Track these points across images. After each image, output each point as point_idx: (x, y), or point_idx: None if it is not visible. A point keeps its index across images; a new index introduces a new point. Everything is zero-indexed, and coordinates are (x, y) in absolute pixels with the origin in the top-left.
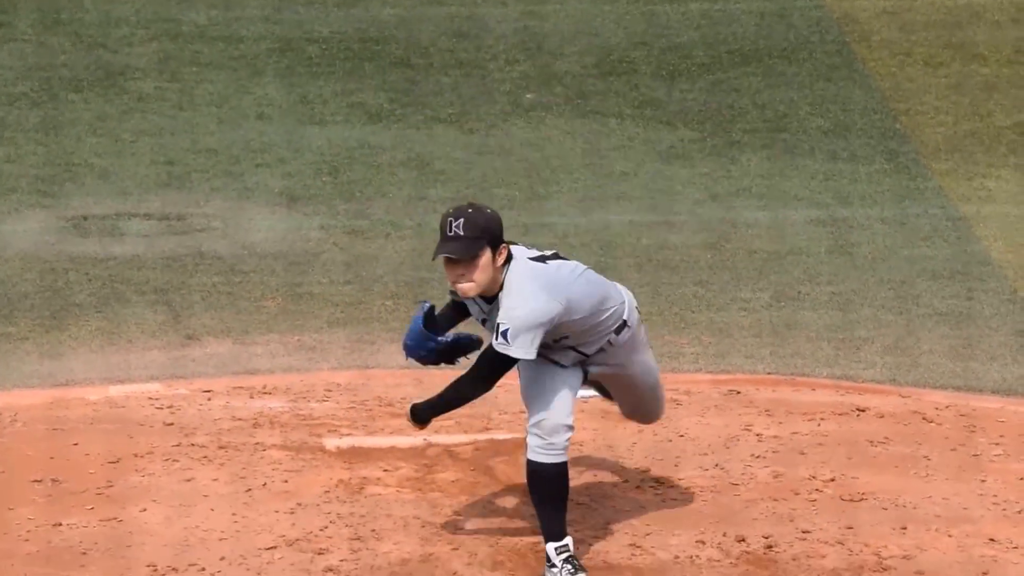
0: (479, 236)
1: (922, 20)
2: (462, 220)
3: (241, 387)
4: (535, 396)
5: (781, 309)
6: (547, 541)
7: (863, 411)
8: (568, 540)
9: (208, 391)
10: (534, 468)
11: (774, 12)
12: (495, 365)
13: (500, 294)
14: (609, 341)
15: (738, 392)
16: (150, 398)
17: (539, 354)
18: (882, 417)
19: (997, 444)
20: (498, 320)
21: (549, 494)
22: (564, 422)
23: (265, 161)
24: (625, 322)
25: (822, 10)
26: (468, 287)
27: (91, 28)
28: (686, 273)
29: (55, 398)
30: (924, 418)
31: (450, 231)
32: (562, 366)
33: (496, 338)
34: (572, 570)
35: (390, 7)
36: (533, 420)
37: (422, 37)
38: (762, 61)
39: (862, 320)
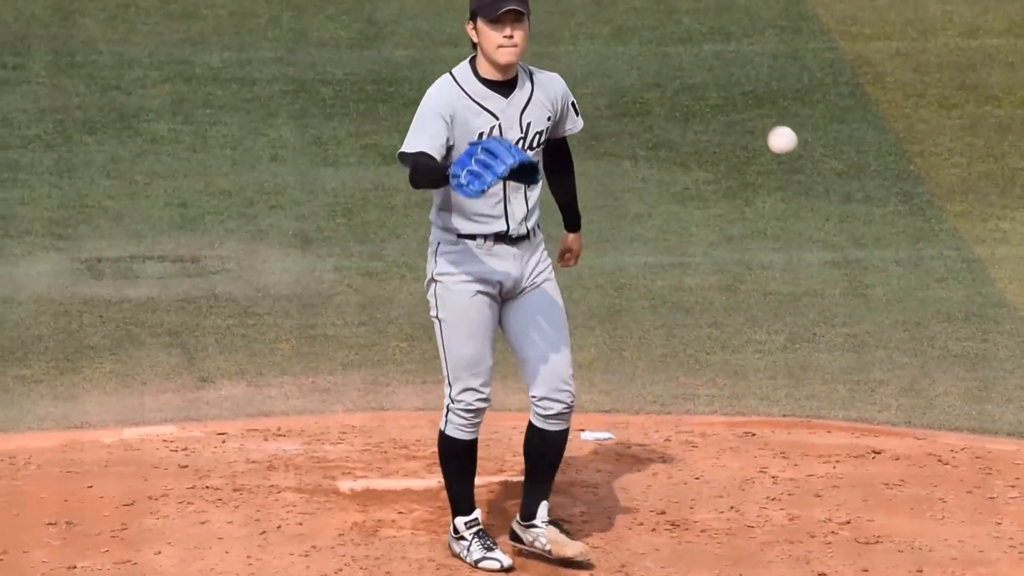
0: (527, 1)
1: (935, 62)
2: None
3: (255, 429)
4: (446, 360)
5: (796, 351)
6: (454, 516)
7: (878, 453)
8: (477, 514)
9: (222, 433)
10: (440, 436)
11: (787, 54)
12: None
13: (518, 79)
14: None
15: (753, 434)
16: (164, 440)
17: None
18: (897, 459)
19: (1013, 487)
20: (570, 100)
21: (448, 462)
22: (464, 399)
23: (279, 203)
24: None
25: (836, 52)
26: (514, 52)
27: (105, 70)
28: (701, 315)
29: (69, 440)
30: (940, 460)
31: None
32: (479, 314)
33: (578, 119)
34: (488, 543)
35: (403, 48)
36: (445, 380)
37: (435, 78)
38: (776, 103)
39: (877, 362)
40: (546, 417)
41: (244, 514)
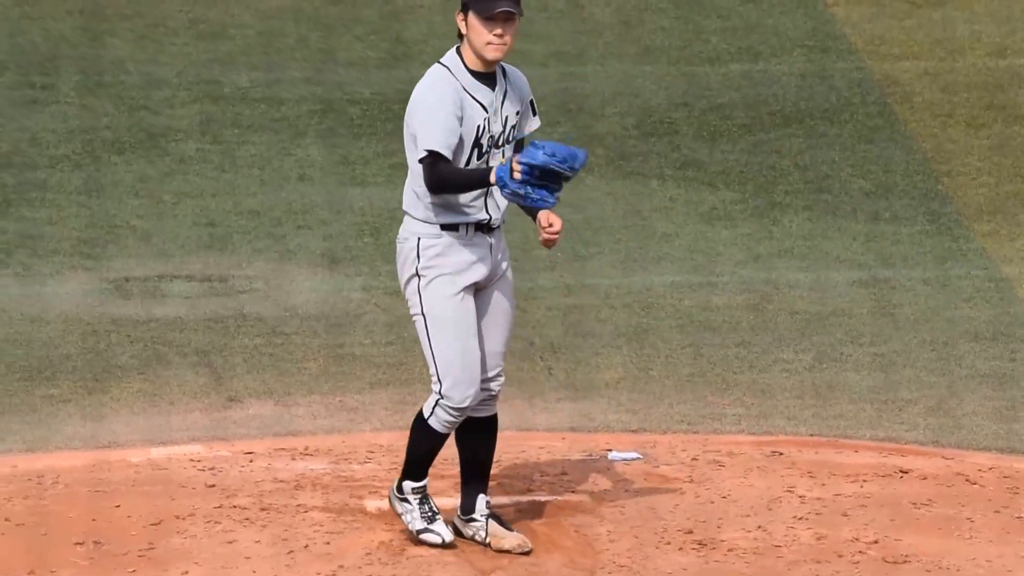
0: (520, 2)
1: (963, 82)
2: None
3: (283, 449)
4: (435, 357)
5: (823, 370)
6: (406, 478)
7: (906, 473)
8: (427, 483)
9: (250, 453)
10: (422, 421)
11: (815, 73)
12: None
13: (495, 72)
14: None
15: (780, 453)
16: (192, 460)
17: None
18: (925, 479)
19: None
20: (531, 98)
21: (419, 444)
22: (455, 396)
23: (307, 222)
24: None
25: (863, 71)
26: (502, 50)
27: (133, 90)
28: (728, 334)
29: (97, 460)
30: (967, 480)
31: None
32: (464, 312)
33: (535, 118)
34: (430, 512)
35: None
36: (433, 376)
37: None
38: (803, 122)
39: (904, 381)
40: (480, 403)
41: (271, 533)
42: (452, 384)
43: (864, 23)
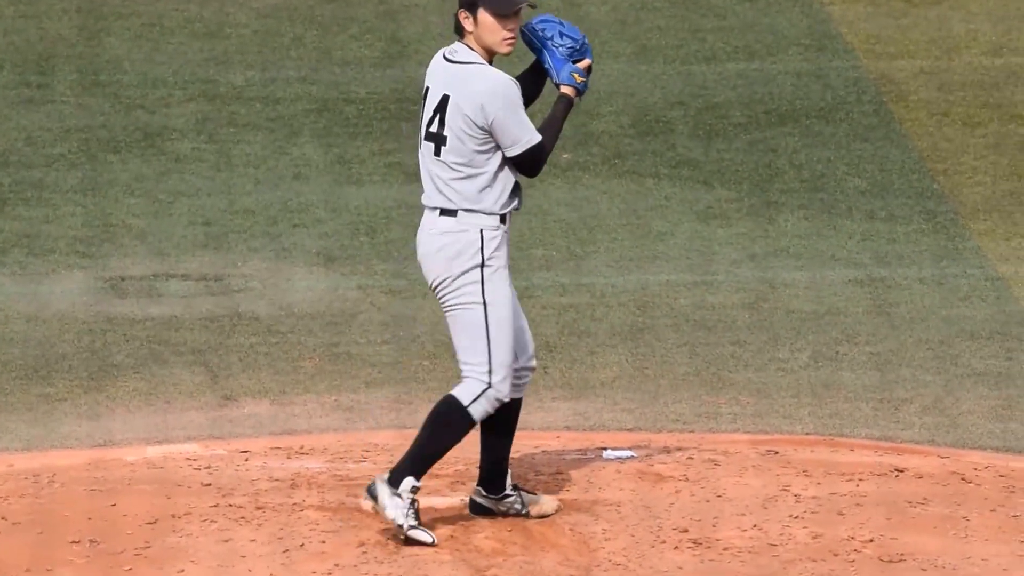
0: None
1: (959, 80)
2: None
3: (279, 448)
4: (491, 347)
5: (819, 369)
6: (409, 473)
7: (902, 471)
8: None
9: (246, 452)
10: (458, 410)
11: (811, 72)
12: None
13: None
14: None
15: (776, 452)
16: (188, 459)
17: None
18: (921, 478)
19: None
20: None
21: (446, 435)
22: (504, 389)
23: (303, 221)
24: None
25: (859, 70)
26: (514, 44)
27: (129, 89)
28: (724, 333)
29: (93, 459)
30: (963, 479)
31: None
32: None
33: None
34: (416, 515)
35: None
36: (481, 367)
37: None
38: (799, 121)
39: (901, 380)
40: (519, 386)
41: (267, 532)
42: (503, 377)
43: (860, 22)
